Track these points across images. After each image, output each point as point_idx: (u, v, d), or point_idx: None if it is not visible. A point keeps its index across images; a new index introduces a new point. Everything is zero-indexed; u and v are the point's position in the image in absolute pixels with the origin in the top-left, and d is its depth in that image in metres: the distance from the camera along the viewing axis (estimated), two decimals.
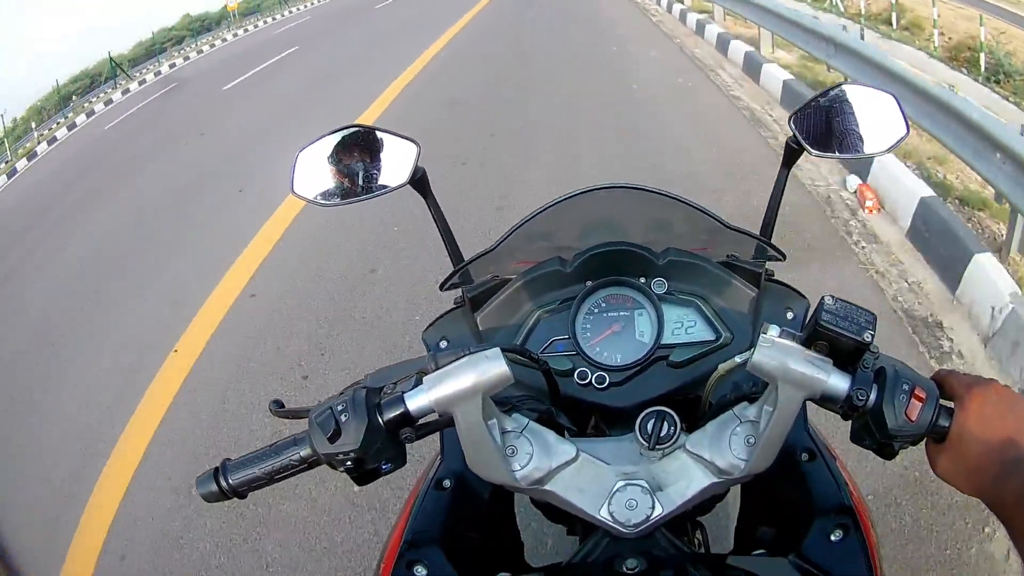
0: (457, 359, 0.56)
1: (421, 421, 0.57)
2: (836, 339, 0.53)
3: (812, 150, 0.75)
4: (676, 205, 0.78)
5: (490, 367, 0.55)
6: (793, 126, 0.76)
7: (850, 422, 0.56)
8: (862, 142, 0.76)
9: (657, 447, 0.58)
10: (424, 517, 0.69)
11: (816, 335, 0.54)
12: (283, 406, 0.61)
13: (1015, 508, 0.48)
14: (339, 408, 0.55)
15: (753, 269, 0.77)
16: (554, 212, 0.79)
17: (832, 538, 0.61)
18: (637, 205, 0.84)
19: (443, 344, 0.77)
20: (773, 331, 0.55)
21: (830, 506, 0.65)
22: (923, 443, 0.54)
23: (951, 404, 0.54)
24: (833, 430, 0.74)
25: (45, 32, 18.27)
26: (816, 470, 0.69)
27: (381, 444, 0.56)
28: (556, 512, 0.66)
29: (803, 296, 0.76)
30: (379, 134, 0.77)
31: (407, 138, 0.76)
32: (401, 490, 1.60)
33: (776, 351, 0.54)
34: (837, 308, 0.54)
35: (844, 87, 0.77)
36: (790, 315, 0.76)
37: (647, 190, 0.79)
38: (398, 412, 0.56)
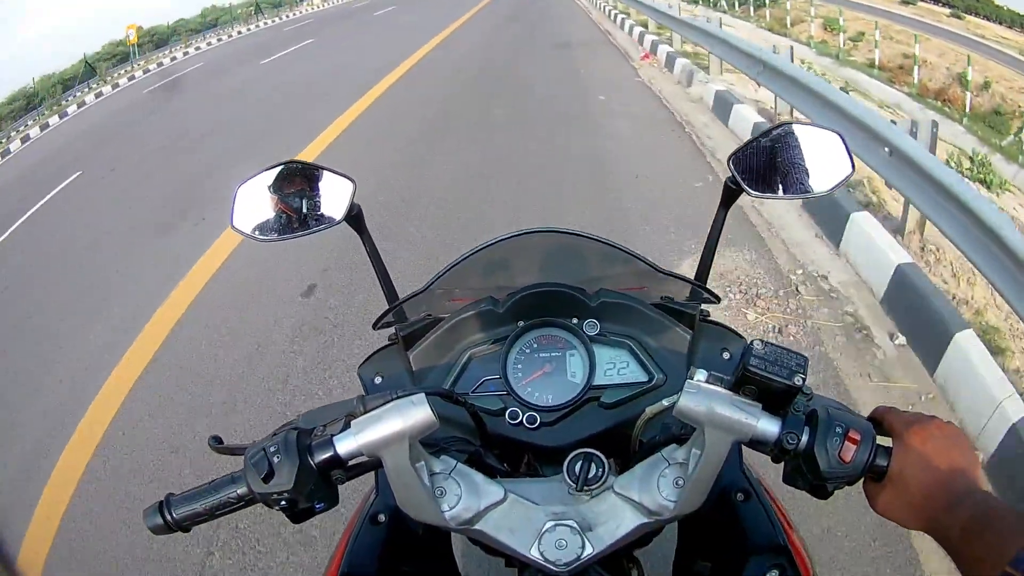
0: (384, 404, 0.73)
1: (352, 462, 0.74)
2: (765, 383, 0.68)
3: (751, 191, 0.94)
4: (610, 249, 1.00)
5: (415, 412, 0.71)
6: (732, 166, 0.94)
7: (782, 464, 0.73)
8: (805, 182, 0.94)
9: (585, 488, 0.74)
10: (360, 551, 0.89)
11: (745, 380, 0.68)
12: (221, 442, 0.80)
13: (963, 538, 0.61)
14: (271, 449, 0.72)
15: (687, 311, 0.97)
16: (488, 252, 1.01)
17: None
18: (572, 247, 1.06)
19: (378, 380, 0.99)
20: (700, 375, 0.70)
21: (765, 546, 0.83)
22: (861, 482, 0.69)
23: (889, 443, 0.69)
24: (771, 467, 0.92)
25: None
26: (751, 510, 0.87)
27: (313, 485, 0.73)
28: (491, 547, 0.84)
29: (740, 336, 0.96)
30: (315, 170, 0.99)
31: (343, 175, 0.99)
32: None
33: (702, 396, 0.69)
34: (766, 353, 0.68)
35: (788, 127, 0.95)
36: (726, 355, 0.95)
37: (581, 235, 1.01)
38: (328, 455, 0.73)
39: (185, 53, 23.77)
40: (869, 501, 0.70)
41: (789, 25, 25.85)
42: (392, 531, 0.89)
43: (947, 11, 35.14)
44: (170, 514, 0.74)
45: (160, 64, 22.05)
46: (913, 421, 0.69)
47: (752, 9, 29.29)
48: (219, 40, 26.28)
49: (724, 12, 29.15)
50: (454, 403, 0.84)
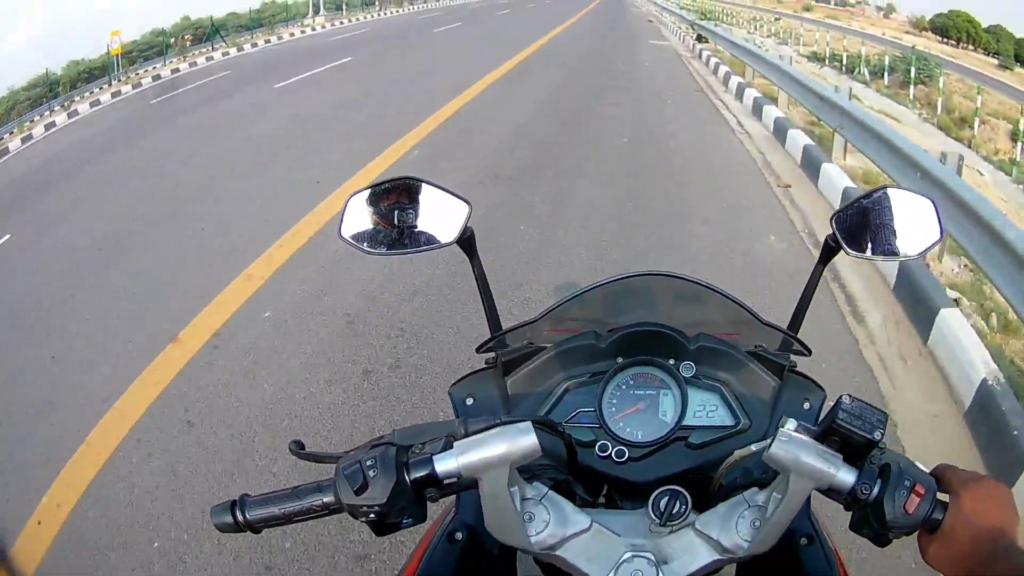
0: (488, 428, 1.02)
1: (447, 482, 1.01)
2: (848, 436, 0.97)
3: (849, 250, 1.34)
4: (712, 294, 1.40)
5: (521, 440, 0.98)
6: (834, 224, 1.35)
7: (851, 512, 1.03)
8: (897, 244, 1.35)
9: (668, 523, 1.06)
10: (433, 567, 1.23)
11: (831, 431, 0.98)
12: (303, 447, 1.07)
13: None
14: (368, 463, 0.98)
15: (778, 361, 1.36)
16: (594, 290, 1.40)
17: None
18: (676, 288, 1.46)
19: (469, 401, 1.37)
20: (791, 425, 1.00)
21: None
22: (916, 533, 0.99)
23: (946, 498, 0.98)
24: (829, 518, 1.23)
25: None
26: (813, 555, 1.23)
27: (405, 501, 0.99)
28: (558, 572, 1.11)
29: (821, 388, 1.34)
30: (431, 188, 1.36)
31: (459, 197, 1.35)
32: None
33: (792, 445, 0.98)
34: (853, 407, 0.98)
35: (887, 190, 1.37)
36: (807, 405, 1.32)
37: (687, 279, 1.41)
38: (425, 472, 1.00)
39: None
40: (920, 550, 1.01)
41: (976, 127, 24.52)
42: (467, 551, 1.24)
43: (994, 61, 40.94)
44: (243, 514, 1.00)
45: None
46: (970, 480, 0.99)
47: (910, 89, 28.84)
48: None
49: (866, 84, 28.91)
50: (552, 433, 1.14)
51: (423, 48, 25.05)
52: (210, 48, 31.85)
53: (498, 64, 19.32)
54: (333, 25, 41.11)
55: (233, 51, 30.66)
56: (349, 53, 23.55)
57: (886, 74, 31.70)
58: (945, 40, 52.13)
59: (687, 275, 1.42)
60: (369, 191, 1.38)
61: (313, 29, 38.95)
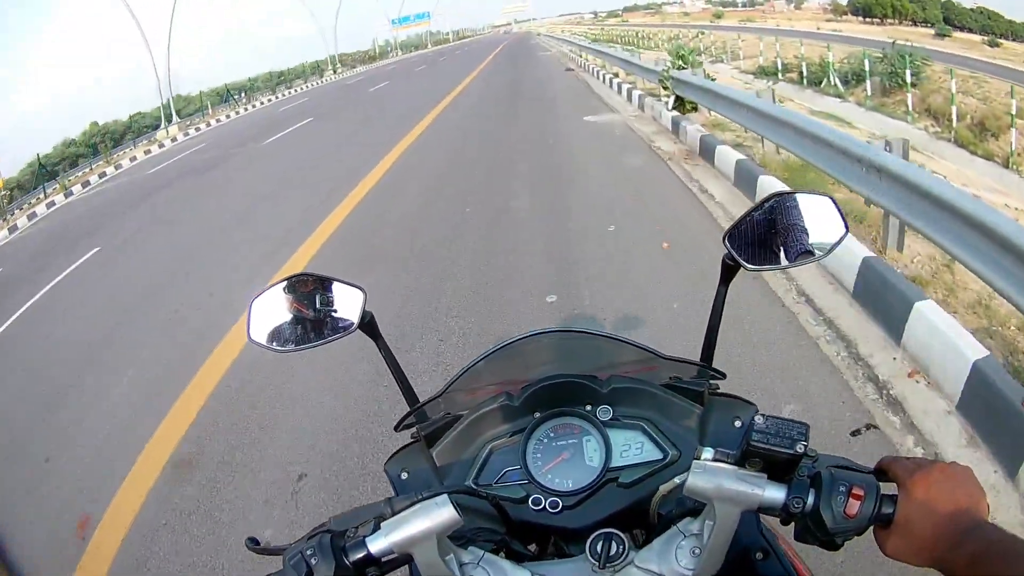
0: (410, 505, 1.26)
1: (385, 559, 1.26)
2: (768, 455, 1.19)
3: (748, 265, 1.62)
4: (617, 342, 1.70)
5: (440, 512, 1.23)
6: (728, 244, 1.62)
7: (792, 524, 1.24)
8: (800, 248, 1.62)
9: (608, 565, 1.31)
10: None
11: (750, 453, 1.20)
12: (258, 543, 1.31)
13: (969, 570, 1.04)
14: (308, 552, 1.23)
15: (695, 388, 1.65)
16: (500, 351, 1.71)
17: None
18: (581, 341, 1.78)
19: (404, 476, 1.68)
20: (707, 454, 1.24)
21: None
22: (870, 530, 1.17)
23: (894, 491, 1.16)
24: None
25: None
26: (770, 568, 1.48)
27: None
28: None
29: (749, 403, 1.63)
30: (326, 281, 1.67)
31: (353, 284, 1.68)
32: None
33: (709, 474, 1.21)
34: (767, 426, 1.19)
35: (779, 197, 1.64)
36: (737, 423, 1.61)
37: (588, 333, 1.73)
38: (362, 555, 1.25)
39: None
40: (879, 545, 1.19)
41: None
42: None
43: (980, 39, 47.11)
44: None
45: None
46: (916, 468, 1.17)
47: (902, 95, 28.34)
48: None
49: (841, 98, 29.36)
50: (478, 497, 1.42)
51: (229, 191, 20.10)
52: (42, 194, 32.07)
53: (320, 218, 12.87)
54: (186, 135, 41.85)
55: (60, 197, 30.03)
56: (127, 217, 19.48)
57: (868, 82, 30.46)
58: (868, 20, 57.67)
59: (588, 328, 1.75)
60: (268, 292, 1.71)
61: (161, 145, 39.49)
